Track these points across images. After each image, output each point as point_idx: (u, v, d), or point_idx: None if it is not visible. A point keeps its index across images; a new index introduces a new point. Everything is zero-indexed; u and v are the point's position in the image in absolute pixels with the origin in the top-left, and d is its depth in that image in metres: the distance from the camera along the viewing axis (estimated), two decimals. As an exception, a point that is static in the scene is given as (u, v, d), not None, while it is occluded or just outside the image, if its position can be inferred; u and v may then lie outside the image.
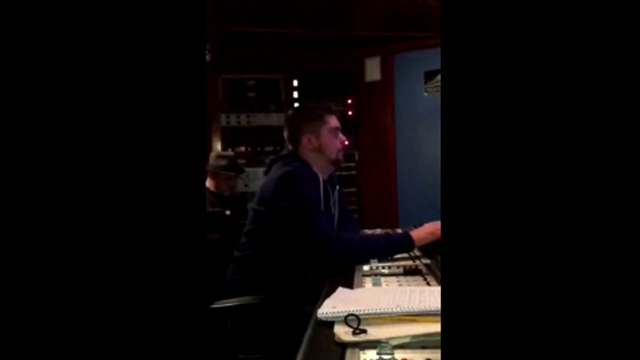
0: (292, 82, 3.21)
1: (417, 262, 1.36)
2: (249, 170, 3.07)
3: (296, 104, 3.16)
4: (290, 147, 1.64)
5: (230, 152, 2.94)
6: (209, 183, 2.65)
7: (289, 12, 2.65)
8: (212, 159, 2.69)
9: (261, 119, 3.16)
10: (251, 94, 3.17)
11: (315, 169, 1.58)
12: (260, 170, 3.02)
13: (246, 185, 3.08)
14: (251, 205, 1.61)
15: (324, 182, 1.60)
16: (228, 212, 2.50)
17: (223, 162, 2.66)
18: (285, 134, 1.66)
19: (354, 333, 0.75)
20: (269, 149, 3.14)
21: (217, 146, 3.14)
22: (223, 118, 3.13)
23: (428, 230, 1.49)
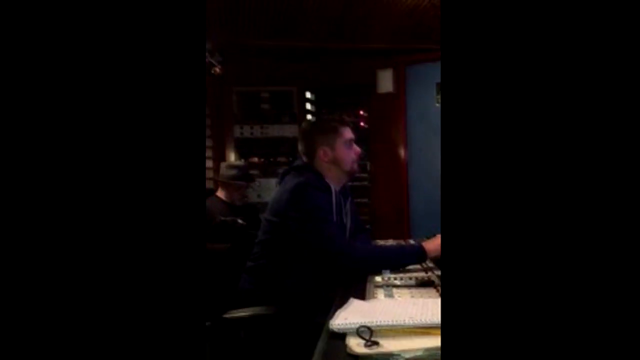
0: (305, 94, 3.24)
1: (430, 273, 1.35)
2: (262, 180, 3.09)
3: (309, 116, 3.19)
4: (304, 159, 1.65)
5: (240, 162, 2.97)
6: (220, 193, 2.68)
7: (302, 25, 2.68)
8: (223, 169, 2.72)
9: (275, 131, 3.19)
10: (265, 106, 3.21)
11: (328, 180, 1.59)
12: (273, 180, 3.04)
13: (259, 196, 3.10)
14: (264, 215, 1.63)
15: (337, 192, 1.60)
16: (240, 222, 2.52)
17: (234, 172, 2.68)
18: (300, 147, 1.67)
19: (366, 345, 0.75)
20: (282, 159, 3.17)
21: (231, 157, 3.18)
22: (237, 129, 3.17)
23: (440, 241, 1.48)
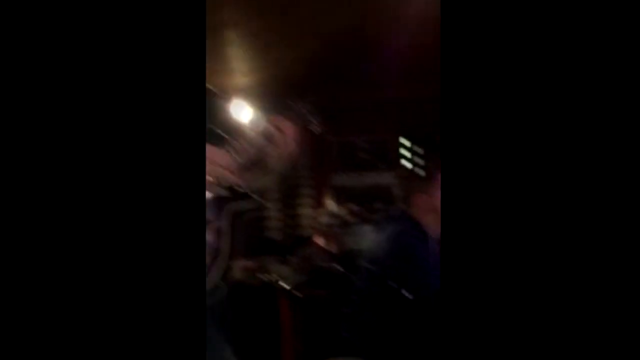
0: (402, 142, 3.28)
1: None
2: (359, 228, 3.12)
3: (405, 163, 3.20)
4: (402, 206, 1.65)
5: (339, 210, 3.04)
6: (318, 240, 2.76)
7: (397, 77, 2.77)
8: (321, 217, 2.81)
9: (372, 178, 3.24)
10: (362, 154, 3.29)
11: (426, 228, 1.57)
12: (371, 228, 3.05)
13: (356, 243, 3.12)
14: (362, 263, 1.64)
15: (435, 240, 1.57)
16: (338, 268, 2.55)
17: (331, 220, 2.76)
18: (397, 194, 1.69)
19: (470, 404, 0.71)
20: (379, 206, 3.18)
21: (330, 205, 3.28)
22: (335, 177, 3.28)
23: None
